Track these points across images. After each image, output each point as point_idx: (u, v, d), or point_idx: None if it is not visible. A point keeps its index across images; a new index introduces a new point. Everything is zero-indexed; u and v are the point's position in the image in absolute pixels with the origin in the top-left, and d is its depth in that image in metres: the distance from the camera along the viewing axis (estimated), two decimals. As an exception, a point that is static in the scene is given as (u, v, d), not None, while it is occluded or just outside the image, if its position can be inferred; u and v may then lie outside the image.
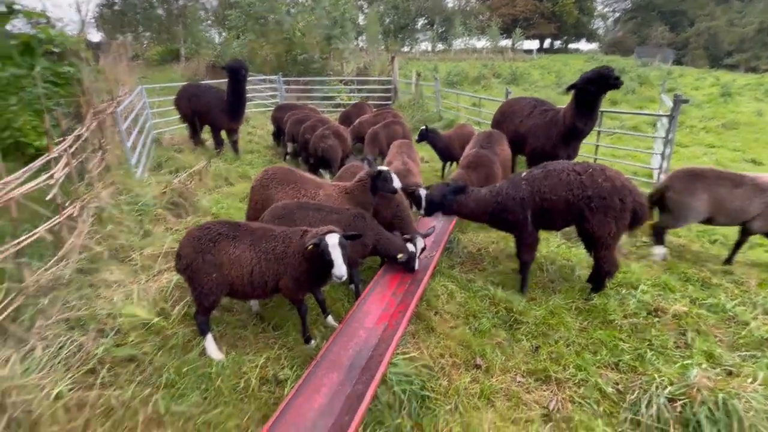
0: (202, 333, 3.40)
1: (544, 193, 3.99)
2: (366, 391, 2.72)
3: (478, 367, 3.40)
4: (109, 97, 6.96)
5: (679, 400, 2.76)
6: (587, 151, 7.70)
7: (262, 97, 14.55)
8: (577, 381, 3.18)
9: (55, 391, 2.82)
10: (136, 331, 3.52)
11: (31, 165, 3.39)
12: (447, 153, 7.71)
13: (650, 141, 9.51)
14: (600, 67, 5.18)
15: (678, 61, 42.29)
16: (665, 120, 6.53)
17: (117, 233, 4.78)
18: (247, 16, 19.01)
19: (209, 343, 3.39)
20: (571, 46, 58.22)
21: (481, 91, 17.50)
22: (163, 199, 5.66)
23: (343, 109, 10.16)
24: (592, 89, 5.16)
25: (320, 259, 3.07)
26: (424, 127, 7.53)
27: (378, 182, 4.32)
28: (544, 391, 3.16)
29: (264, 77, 14.95)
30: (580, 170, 3.97)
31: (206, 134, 9.33)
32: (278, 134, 10.23)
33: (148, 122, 9.46)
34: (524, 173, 4.25)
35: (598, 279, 4.21)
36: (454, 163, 7.80)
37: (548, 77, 22.82)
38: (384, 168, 4.39)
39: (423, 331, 3.82)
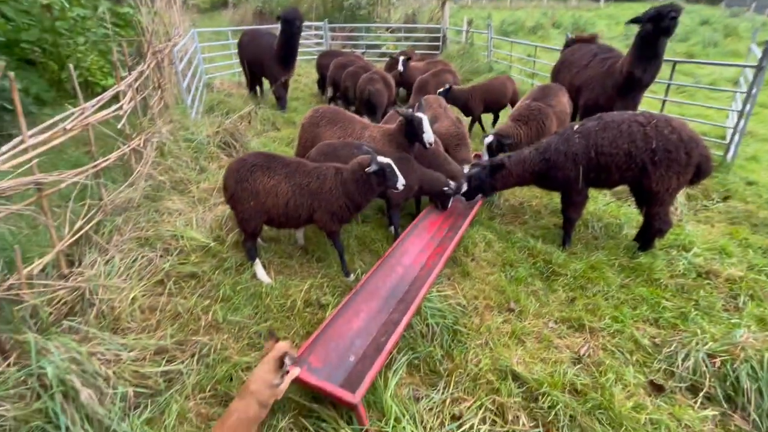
0: (251, 258, 3.70)
1: (602, 146, 3.74)
2: (402, 318, 2.90)
3: (511, 310, 3.48)
4: (165, 38, 7.19)
5: (720, 356, 2.71)
6: (651, 107, 7.05)
7: (308, 45, 14.35)
8: (612, 331, 3.18)
9: (132, 295, 3.25)
10: (195, 253, 3.89)
11: (102, 95, 3.66)
12: (466, 109, 7.25)
13: (728, 100, 8.52)
14: (662, 5, 4.60)
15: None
16: (749, 73, 5.78)
17: (176, 167, 5.15)
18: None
19: (258, 267, 3.69)
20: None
21: (537, 41, 16.16)
22: (215, 138, 5.96)
23: (389, 58, 9.80)
24: (650, 29, 4.62)
25: (370, 184, 3.37)
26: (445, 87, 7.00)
27: (409, 128, 4.20)
28: (577, 338, 3.20)
29: (310, 24, 14.64)
30: (642, 121, 3.69)
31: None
32: (323, 82, 10.19)
33: (200, 66, 9.73)
34: (576, 126, 4.00)
35: (647, 237, 4.04)
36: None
37: (616, 28, 20.57)
38: (420, 115, 4.18)
39: (458, 275, 3.91)
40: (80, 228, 3.28)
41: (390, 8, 16.29)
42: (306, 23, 15.01)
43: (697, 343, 2.82)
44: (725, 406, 2.53)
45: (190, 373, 2.73)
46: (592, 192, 5.49)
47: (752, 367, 2.58)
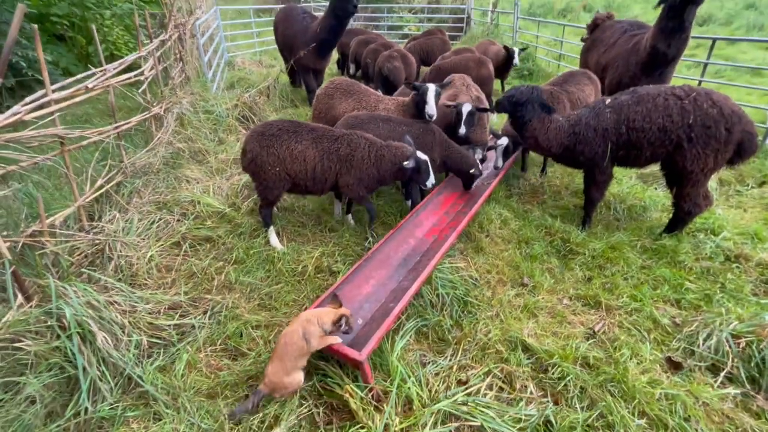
0: (266, 225, 3.73)
1: (634, 121, 3.51)
2: (411, 286, 2.87)
3: (524, 285, 3.40)
4: (188, 13, 7.24)
5: (745, 337, 2.57)
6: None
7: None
8: (629, 309, 3.07)
9: (149, 254, 3.33)
10: (211, 218, 3.95)
11: (124, 59, 3.71)
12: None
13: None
14: None
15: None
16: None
17: (195, 137, 5.22)
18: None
19: (272, 234, 3.72)
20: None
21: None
22: (234, 111, 6.00)
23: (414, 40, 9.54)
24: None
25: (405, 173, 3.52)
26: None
27: (419, 100, 4.14)
28: (592, 315, 3.10)
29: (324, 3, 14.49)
30: (680, 94, 3.44)
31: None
32: (344, 61, 10.10)
33: (222, 44, 9.79)
34: (608, 100, 3.79)
35: (676, 219, 3.85)
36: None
37: (652, 12, 19.52)
38: (429, 86, 4.10)
39: (472, 250, 3.84)
40: (101, 186, 3.37)
41: (414, -10, 15.92)
42: (326, 3, 14.90)
43: (721, 323, 2.69)
44: (748, 386, 2.41)
45: (202, 328, 2.79)
46: (617, 173, 5.28)
47: (780, 348, 2.45)
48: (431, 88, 4.06)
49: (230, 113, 5.97)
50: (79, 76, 3.05)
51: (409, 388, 2.28)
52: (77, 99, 2.89)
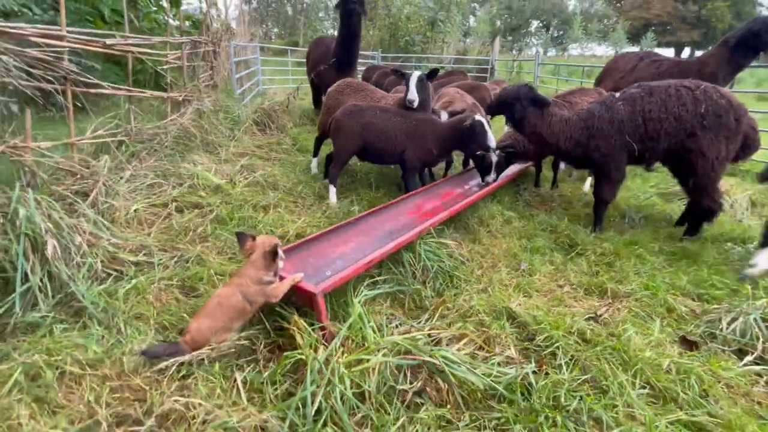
0: (332, 182, 4.07)
1: (650, 111, 3.40)
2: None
3: (521, 271, 3.07)
4: (227, 35, 7.93)
5: (780, 322, 2.14)
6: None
7: (359, 71, 15.23)
8: (639, 296, 2.67)
9: (134, 207, 3.30)
10: (206, 190, 3.94)
11: (149, 37, 4.00)
12: None
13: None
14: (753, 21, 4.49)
15: None
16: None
17: (210, 130, 5.42)
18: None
19: (332, 192, 4.07)
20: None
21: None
22: (252, 115, 6.28)
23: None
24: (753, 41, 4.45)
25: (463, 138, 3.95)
26: None
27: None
28: (596, 302, 2.72)
29: (363, 53, 15.64)
30: (690, 86, 3.40)
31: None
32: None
33: (258, 76, 10.58)
34: (617, 95, 3.71)
35: (695, 219, 3.50)
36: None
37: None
38: (414, 73, 4.16)
39: (468, 241, 3.58)
40: (101, 136, 3.46)
41: (443, 46, 17.04)
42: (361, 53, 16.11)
43: (748, 306, 2.27)
44: (786, 373, 1.95)
45: (165, 268, 2.64)
46: (632, 186, 4.99)
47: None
48: (414, 74, 4.10)
49: (249, 117, 6.24)
50: (100, 32, 3.28)
51: (360, 329, 1.98)
52: (92, 48, 3.08)
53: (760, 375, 1.94)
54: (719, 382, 1.86)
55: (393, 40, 18.19)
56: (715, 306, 2.51)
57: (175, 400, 1.48)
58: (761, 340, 2.07)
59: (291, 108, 7.09)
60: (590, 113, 3.67)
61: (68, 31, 2.88)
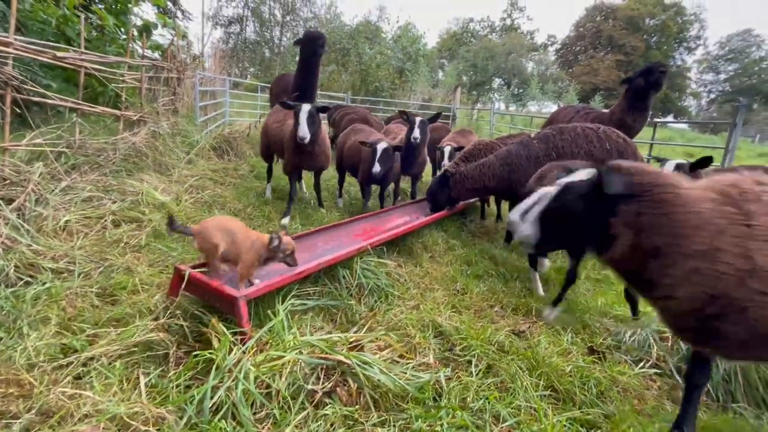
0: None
1: (562, 147, 3.84)
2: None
3: (456, 291, 3.19)
4: (193, 65, 8.10)
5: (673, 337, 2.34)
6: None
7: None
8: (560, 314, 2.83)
9: (66, 218, 3.18)
10: (148, 207, 3.87)
11: (108, 57, 4.07)
12: None
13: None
14: (651, 62, 5.11)
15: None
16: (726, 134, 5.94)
17: (164, 151, 5.39)
18: (333, 51, 21.29)
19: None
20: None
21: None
22: (212, 141, 6.31)
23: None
24: (641, 83, 4.98)
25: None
26: None
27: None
28: (521, 321, 2.85)
29: (333, 94, 16.33)
30: (593, 126, 3.93)
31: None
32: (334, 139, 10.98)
33: (225, 108, 10.72)
34: (532, 135, 4.19)
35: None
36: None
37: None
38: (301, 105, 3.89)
39: (411, 264, 3.69)
40: (39, 144, 3.38)
41: (410, 93, 18.14)
42: (328, 93, 16.79)
43: (647, 323, 2.47)
44: (677, 377, 2.11)
45: (86, 277, 2.53)
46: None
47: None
48: (303, 107, 3.79)
49: (207, 143, 6.27)
50: (50, 44, 3.32)
51: (279, 333, 1.97)
52: (40, 57, 3.10)
53: (654, 380, 2.09)
54: (617, 385, 1.99)
55: (363, 85, 19.18)
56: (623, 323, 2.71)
57: (62, 392, 1.41)
58: (655, 349, 2.25)
59: (252, 137, 7.19)
60: (508, 152, 4.07)
61: (17, 39, 2.91)
